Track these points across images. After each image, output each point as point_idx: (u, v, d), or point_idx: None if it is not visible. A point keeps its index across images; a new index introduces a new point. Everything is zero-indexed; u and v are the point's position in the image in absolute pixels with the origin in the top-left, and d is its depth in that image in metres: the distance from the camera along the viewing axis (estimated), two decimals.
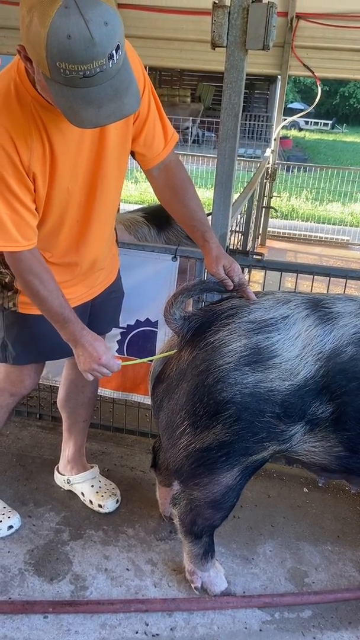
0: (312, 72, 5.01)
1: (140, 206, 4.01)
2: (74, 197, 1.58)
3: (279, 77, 5.47)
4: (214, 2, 1.83)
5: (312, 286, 2.21)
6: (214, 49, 1.87)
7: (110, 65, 1.18)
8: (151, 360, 1.64)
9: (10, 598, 1.75)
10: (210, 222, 2.14)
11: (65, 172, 1.51)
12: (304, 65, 4.96)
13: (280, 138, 6.38)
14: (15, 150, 1.38)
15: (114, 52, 1.17)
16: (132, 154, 1.70)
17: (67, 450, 2.17)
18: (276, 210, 6.19)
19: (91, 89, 1.19)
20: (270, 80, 16.07)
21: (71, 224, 1.63)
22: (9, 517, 1.99)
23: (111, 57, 1.17)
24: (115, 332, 2.31)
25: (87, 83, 1.18)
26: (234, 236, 3.39)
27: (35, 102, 1.39)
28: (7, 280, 1.69)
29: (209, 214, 2.23)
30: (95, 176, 1.59)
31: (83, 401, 2.09)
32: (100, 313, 1.91)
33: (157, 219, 3.04)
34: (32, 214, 1.49)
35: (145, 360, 1.70)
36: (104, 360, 1.58)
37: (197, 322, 1.54)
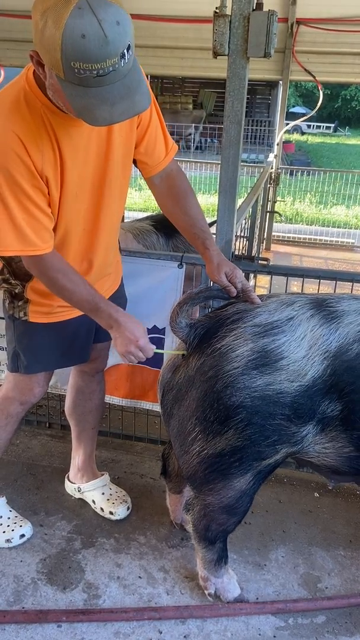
0: (314, 77, 5.04)
1: (146, 214, 4.03)
2: (82, 203, 1.59)
3: (281, 82, 5.49)
4: (215, 11, 1.85)
5: (318, 290, 2.21)
6: (216, 58, 1.89)
7: (122, 65, 1.22)
8: (183, 355, 1.63)
9: (23, 607, 1.75)
10: (214, 229, 2.15)
11: (74, 178, 1.53)
12: (305, 70, 4.99)
13: (283, 142, 6.39)
14: (28, 155, 1.40)
15: (125, 51, 1.21)
16: (134, 162, 1.72)
17: (77, 458, 2.17)
18: (280, 215, 6.20)
19: (104, 87, 1.23)
20: (272, 85, 16.14)
21: (80, 233, 1.65)
22: (20, 526, 2.00)
23: (123, 56, 1.21)
24: None
25: (101, 82, 1.22)
26: (239, 241, 3.40)
27: (45, 108, 1.41)
28: (17, 290, 1.71)
29: (214, 222, 2.24)
30: (101, 183, 1.61)
31: (91, 408, 2.10)
32: None
33: (165, 227, 3.06)
34: (48, 217, 1.51)
35: (175, 352, 1.69)
36: (141, 343, 1.59)
37: (203, 329, 1.55)
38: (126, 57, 1.22)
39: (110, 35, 1.17)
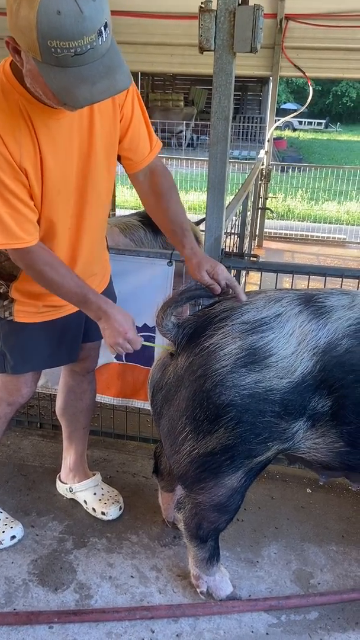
0: (303, 73, 5.03)
1: (135, 211, 4.01)
2: (66, 200, 1.58)
3: (271, 78, 5.48)
4: (201, 6, 1.83)
5: (308, 286, 2.21)
6: (202, 53, 1.88)
7: (100, 43, 1.20)
8: (172, 354, 1.62)
9: (15, 609, 1.74)
10: (203, 226, 2.14)
11: (56, 173, 1.51)
12: (295, 65, 4.98)
13: (275, 139, 6.39)
14: (5, 146, 1.38)
15: (102, 28, 1.19)
16: (118, 157, 1.71)
17: (69, 458, 2.16)
18: (272, 211, 6.20)
19: (83, 67, 1.20)
20: (263, 81, 16.14)
21: (64, 229, 1.63)
22: (11, 528, 1.98)
23: (100, 33, 1.19)
24: None
25: (79, 61, 1.19)
26: (230, 238, 3.39)
27: (23, 100, 1.40)
28: (1, 290, 1.70)
29: (203, 219, 2.22)
30: (85, 179, 1.59)
31: (82, 408, 2.09)
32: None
33: (152, 223, 3.04)
34: (30, 209, 1.49)
35: (163, 347, 1.68)
36: (130, 335, 1.59)
37: (191, 328, 1.54)
38: (103, 36, 1.20)
39: (86, 11, 1.15)
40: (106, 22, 1.20)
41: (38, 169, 1.47)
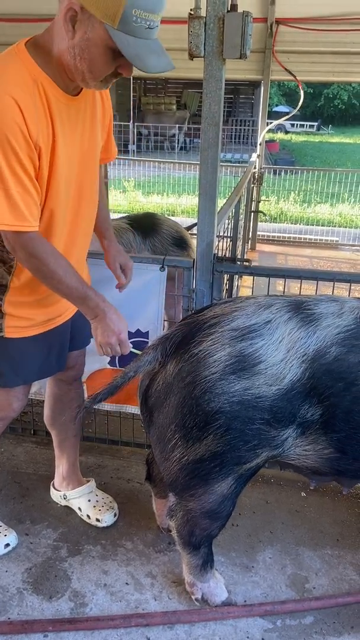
0: (294, 76, 5.06)
1: (124, 215, 4.01)
2: (67, 190, 1.56)
3: (262, 82, 5.51)
4: (190, 13, 1.84)
5: (300, 289, 2.21)
6: (192, 59, 1.88)
7: (158, 25, 1.36)
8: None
9: (9, 618, 1.73)
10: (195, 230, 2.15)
11: (63, 160, 1.50)
12: (286, 69, 5.01)
13: (267, 141, 6.41)
14: (24, 121, 1.37)
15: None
16: None
17: (61, 467, 2.15)
18: (265, 214, 6.22)
19: (149, 41, 1.35)
20: (255, 84, 16.19)
21: (62, 224, 1.60)
22: (5, 536, 1.97)
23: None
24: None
25: (147, 35, 1.34)
26: (223, 242, 3.39)
27: (42, 79, 1.41)
28: None
29: (194, 224, 2.23)
30: (83, 172, 1.60)
31: (71, 417, 2.07)
32: (81, 328, 1.88)
33: (141, 226, 3.05)
34: (38, 193, 1.46)
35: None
36: (123, 336, 1.60)
37: (179, 336, 1.54)
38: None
39: None
40: None
41: (49, 150, 1.45)
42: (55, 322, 1.77)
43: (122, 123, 13.53)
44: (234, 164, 8.22)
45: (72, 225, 1.65)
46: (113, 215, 6.09)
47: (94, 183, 1.68)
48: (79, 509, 2.12)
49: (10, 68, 1.39)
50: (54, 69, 1.43)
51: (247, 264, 2.17)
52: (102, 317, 1.58)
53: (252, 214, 5.76)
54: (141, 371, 1.60)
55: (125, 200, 8.45)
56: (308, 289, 2.23)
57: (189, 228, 3.41)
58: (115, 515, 2.10)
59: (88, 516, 2.09)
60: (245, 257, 4.55)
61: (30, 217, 1.44)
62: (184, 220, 5.48)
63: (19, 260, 1.54)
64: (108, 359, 2.35)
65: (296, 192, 8.03)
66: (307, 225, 7.26)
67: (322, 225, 7.30)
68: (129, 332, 2.30)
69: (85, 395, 2.44)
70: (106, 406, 2.46)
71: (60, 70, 1.44)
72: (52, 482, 2.21)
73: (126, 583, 1.87)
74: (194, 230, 2.57)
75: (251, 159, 5.78)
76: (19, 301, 1.65)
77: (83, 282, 1.57)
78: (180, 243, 3.08)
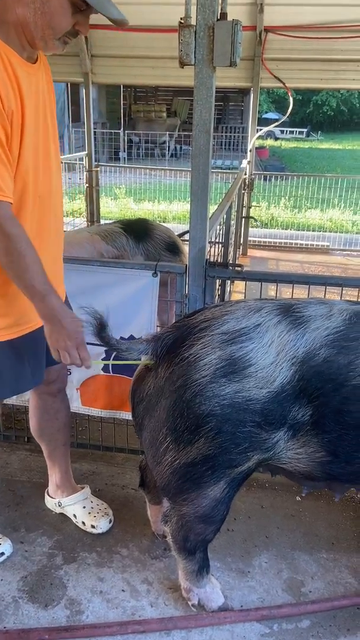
0: (283, 83, 5.11)
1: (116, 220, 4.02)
2: (35, 162, 1.54)
3: (252, 89, 5.55)
4: (180, 22, 1.86)
5: (292, 294, 2.23)
6: (183, 67, 1.90)
7: None
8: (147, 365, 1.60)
9: (5, 627, 1.72)
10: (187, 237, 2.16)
11: (31, 128, 1.50)
12: (275, 76, 5.06)
13: (257, 148, 6.45)
14: None
15: None
16: None
17: (54, 476, 2.14)
18: (256, 220, 6.25)
19: None
20: (244, 92, 16.33)
21: (33, 199, 1.56)
22: (0, 544, 1.96)
23: None
24: (100, 350, 2.30)
25: None
26: (215, 247, 3.41)
27: (1, 46, 1.42)
28: None
29: (186, 232, 2.24)
30: (47, 144, 1.59)
31: (59, 427, 2.05)
32: None
33: (134, 230, 3.05)
34: (9, 160, 1.44)
35: (108, 362, 1.66)
36: (79, 340, 1.53)
37: (170, 339, 1.54)
38: None
39: None
40: None
41: (19, 116, 1.45)
42: (24, 329, 1.67)
43: (112, 130, 13.57)
44: (225, 171, 8.24)
45: (45, 202, 1.61)
46: (105, 222, 6.10)
47: (58, 161, 1.65)
48: (74, 515, 2.11)
49: None
50: (12, 35, 1.45)
51: (238, 269, 2.18)
52: (57, 319, 1.51)
53: (243, 219, 5.79)
54: (132, 357, 1.56)
55: (117, 207, 8.46)
56: (300, 293, 2.25)
57: (181, 235, 3.43)
58: (110, 521, 2.10)
59: (83, 523, 2.09)
60: (237, 263, 4.57)
61: (5, 188, 1.42)
62: (175, 227, 5.50)
63: None
64: (102, 365, 2.35)
65: (286, 197, 8.09)
66: (298, 230, 7.31)
67: (313, 231, 7.35)
68: (122, 338, 2.32)
69: (79, 403, 2.44)
70: (100, 412, 2.46)
71: (19, 35, 1.46)
72: (46, 490, 2.20)
73: (122, 590, 1.86)
74: (186, 237, 2.58)
75: (241, 166, 5.82)
76: None
77: (48, 280, 1.51)
78: (172, 249, 3.10)
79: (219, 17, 1.83)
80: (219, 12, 1.84)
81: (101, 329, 1.49)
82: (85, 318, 1.50)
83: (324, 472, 1.60)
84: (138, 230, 3.06)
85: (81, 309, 1.54)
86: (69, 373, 2.36)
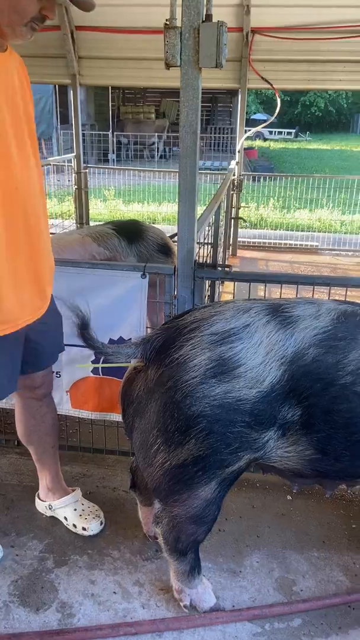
0: (271, 84, 5.13)
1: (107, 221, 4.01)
2: (7, 148, 1.51)
3: (240, 90, 5.57)
4: (165, 23, 1.86)
5: (280, 294, 2.24)
6: (169, 69, 1.91)
7: None
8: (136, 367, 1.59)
9: None
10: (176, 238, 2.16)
11: (5, 116, 1.49)
12: (262, 78, 5.08)
13: (246, 149, 6.49)
14: None
15: None
16: None
17: (45, 479, 2.13)
18: (245, 220, 6.27)
19: None
20: (233, 93, 16.37)
21: (13, 191, 1.54)
22: None
23: None
24: (90, 352, 2.30)
25: None
26: (204, 248, 3.42)
27: None
28: None
29: (176, 234, 2.24)
30: (23, 135, 1.58)
31: (47, 430, 2.04)
32: (43, 344, 1.82)
33: (126, 231, 3.05)
34: None
35: (97, 365, 1.65)
36: None
37: (159, 341, 1.55)
38: None
39: None
40: None
41: None
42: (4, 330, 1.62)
43: (101, 132, 13.56)
44: (214, 172, 8.26)
45: (25, 195, 1.58)
46: (95, 224, 6.09)
47: (37, 157, 1.64)
48: (65, 518, 2.10)
49: None
50: None
51: (227, 269, 2.19)
52: None
53: (232, 220, 5.81)
54: (120, 361, 1.56)
55: (106, 209, 8.45)
56: (289, 293, 2.26)
57: (172, 237, 3.43)
58: (101, 523, 2.09)
59: (74, 525, 2.08)
60: (226, 263, 4.58)
61: None
62: (165, 228, 5.50)
63: None
64: (91, 367, 2.35)
65: (275, 198, 8.12)
66: (287, 230, 7.33)
67: (302, 231, 7.39)
68: (111, 339, 2.32)
69: (69, 406, 2.44)
70: (90, 415, 2.45)
71: None
72: (37, 493, 2.19)
73: (114, 592, 1.86)
74: (176, 238, 2.58)
75: (230, 166, 5.83)
76: None
77: None
78: (165, 250, 3.11)
79: (204, 19, 1.84)
80: (204, 13, 1.84)
81: (83, 327, 1.49)
82: (67, 314, 1.49)
83: (314, 470, 1.60)
84: (130, 232, 3.06)
85: (64, 305, 1.52)
86: (58, 376, 2.35)
